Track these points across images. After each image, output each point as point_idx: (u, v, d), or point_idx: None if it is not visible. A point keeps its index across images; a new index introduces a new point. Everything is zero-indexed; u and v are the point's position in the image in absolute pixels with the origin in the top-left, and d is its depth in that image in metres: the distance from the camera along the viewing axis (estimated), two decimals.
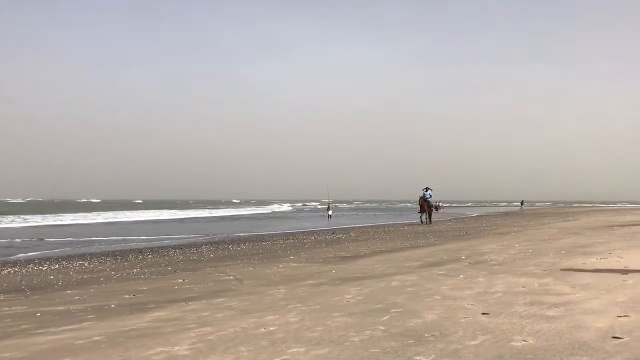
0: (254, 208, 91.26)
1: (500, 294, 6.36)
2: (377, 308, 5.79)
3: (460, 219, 43.06)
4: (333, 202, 48.55)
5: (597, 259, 9.50)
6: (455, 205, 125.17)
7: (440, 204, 74.06)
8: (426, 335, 4.49)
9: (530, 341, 4.19)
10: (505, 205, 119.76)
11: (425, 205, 32.74)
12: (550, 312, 5.21)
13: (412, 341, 4.31)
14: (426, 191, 33.32)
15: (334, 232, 25.78)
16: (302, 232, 26.46)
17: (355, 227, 32.22)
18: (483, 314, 5.26)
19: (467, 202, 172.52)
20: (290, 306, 6.21)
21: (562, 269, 8.35)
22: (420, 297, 6.37)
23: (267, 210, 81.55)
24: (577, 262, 9.21)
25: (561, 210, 67.03)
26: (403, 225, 33.24)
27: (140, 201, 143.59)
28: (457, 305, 5.78)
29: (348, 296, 6.71)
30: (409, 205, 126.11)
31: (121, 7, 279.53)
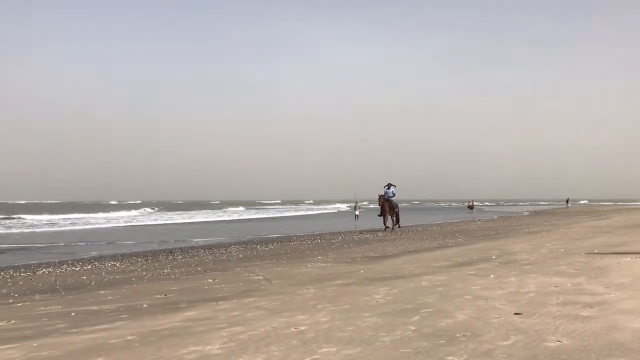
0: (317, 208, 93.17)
1: (532, 294, 6.27)
2: (407, 308, 5.75)
3: (491, 218, 42.60)
4: (359, 202, 48.21)
5: (632, 258, 9.29)
6: (501, 204, 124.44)
7: (473, 203, 73.46)
8: (458, 335, 4.45)
9: (565, 342, 4.12)
10: (544, 205, 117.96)
11: (387, 206, 27.32)
12: (585, 312, 5.12)
13: (444, 341, 4.27)
14: (388, 188, 28.08)
15: (361, 232, 25.73)
16: (329, 233, 26.46)
17: (382, 228, 32.04)
18: (515, 314, 5.19)
19: (519, 201, 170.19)
20: (319, 306, 6.21)
21: (595, 269, 8.19)
22: (451, 297, 6.31)
23: (331, 209, 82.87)
24: (611, 261, 9.02)
25: (592, 208, 65.76)
26: (431, 225, 32.97)
27: (218, 202, 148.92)
28: (489, 305, 5.72)
29: (377, 296, 6.68)
30: (442, 204, 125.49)
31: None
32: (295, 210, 77.49)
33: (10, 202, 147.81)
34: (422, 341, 4.31)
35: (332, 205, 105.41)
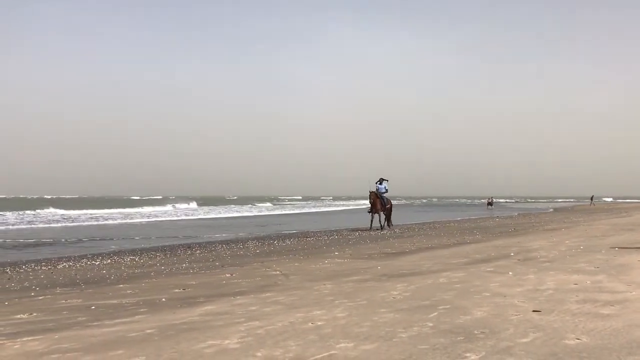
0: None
1: (551, 291, 6.22)
2: (424, 305, 5.74)
3: (510, 215, 42.27)
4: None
5: None
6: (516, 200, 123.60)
7: (493, 199, 72.86)
8: (476, 332, 4.43)
9: (585, 339, 4.08)
10: (566, 202, 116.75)
11: (379, 203, 25.06)
12: (605, 310, 5.07)
13: (462, 338, 4.26)
14: (380, 184, 25.74)
15: (377, 228, 25.67)
16: (346, 229, 26.45)
17: (399, 224, 32.00)
18: (534, 311, 5.15)
19: (536, 198, 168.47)
20: (337, 301, 6.23)
21: (615, 266, 8.10)
22: (469, 294, 6.29)
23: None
24: (632, 259, 8.92)
25: (615, 206, 64.90)
26: (449, 221, 32.82)
27: (235, 197, 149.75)
28: (507, 302, 5.69)
29: (394, 292, 6.68)
30: (464, 201, 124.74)
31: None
32: (315, 207, 77.60)
33: (35, 196, 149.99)
34: (440, 337, 4.30)
35: (352, 202, 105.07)
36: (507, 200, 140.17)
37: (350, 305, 5.91)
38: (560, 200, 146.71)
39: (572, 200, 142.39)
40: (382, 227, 24.80)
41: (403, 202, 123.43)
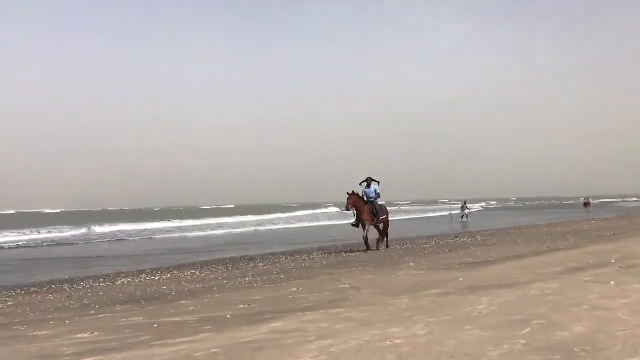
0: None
1: None
2: (515, 320, 5.63)
3: (606, 216, 40.74)
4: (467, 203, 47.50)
5: None
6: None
7: (590, 199, 69.93)
8: (576, 349, 4.31)
9: None
10: None
11: (366, 212, 19.37)
12: None
13: (560, 356, 4.16)
14: (367, 186, 19.78)
15: (456, 235, 25.32)
16: (420, 236, 26.22)
17: (480, 229, 31.43)
18: None
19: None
20: (415, 317, 6.19)
21: None
22: (565, 307, 6.12)
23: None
24: None
25: None
26: (537, 225, 31.96)
27: (296, 204, 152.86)
28: (610, 315, 5.50)
29: (480, 306, 6.58)
30: (554, 202, 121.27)
31: None
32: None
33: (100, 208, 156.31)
34: (535, 355, 4.21)
35: (431, 207, 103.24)
36: (609, 199, 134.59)
37: (431, 322, 5.86)
38: None
39: None
40: (367, 246, 19.07)
41: (493, 204, 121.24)
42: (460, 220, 44.37)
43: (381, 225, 20.06)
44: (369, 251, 18.57)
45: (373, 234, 19.86)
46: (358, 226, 19.57)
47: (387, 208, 20.81)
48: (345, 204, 19.31)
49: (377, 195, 19.80)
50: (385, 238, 20.19)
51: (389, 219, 20.74)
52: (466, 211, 45.48)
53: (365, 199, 19.59)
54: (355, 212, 19.49)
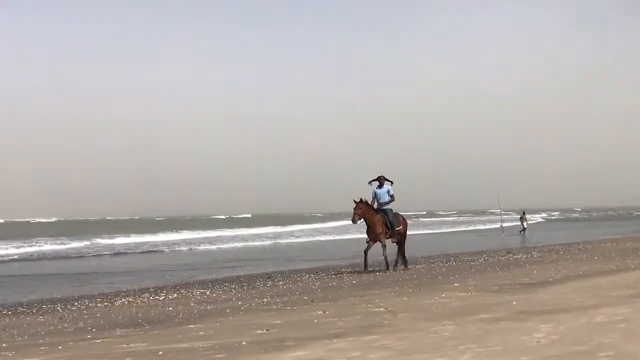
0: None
1: None
2: (579, 350, 5.59)
3: None
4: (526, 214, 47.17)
5: None
6: None
7: None
8: None
9: None
10: None
11: (379, 223, 18.07)
12: None
13: None
14: (380, 187, 18.47)
15: (509, 251, 25.11)
16: (466, 252, 26.06)
17: (538, 245, 31.11)
18: None
19: None
20: (461, 347, 6.16)
21: None
22: (638, 336, 6.05)
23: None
24: None
25: None
26: (604, 240, 31.55)
27: (320, 214, 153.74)
28: None
29: (538, 335, 6.52)
30: (623, 214, 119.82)
31: None
32: (430, 227, 74.19)
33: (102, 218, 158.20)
34: None
35: (479, 217, 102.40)
36: None
37: (480, 352, 5.83)
38: None
39: None
40: (387, 265, 18.23)
41: (555, 215, 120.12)
42: (519, 232, 44.16)
43: (398, 238, 18.85)
44: (382, 270, 18.07)
45: (391, 248, 18.75)
46: (369, 241, 18.31)
47: (404, 217, 19.52)
48: (352, 215, 17.86)
49: (391, 198, 18.46)
50: (403, 254, 18.96)
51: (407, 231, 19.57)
52: (525, 223, 45.23)
53: (376, 202, 18.40)
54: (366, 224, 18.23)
